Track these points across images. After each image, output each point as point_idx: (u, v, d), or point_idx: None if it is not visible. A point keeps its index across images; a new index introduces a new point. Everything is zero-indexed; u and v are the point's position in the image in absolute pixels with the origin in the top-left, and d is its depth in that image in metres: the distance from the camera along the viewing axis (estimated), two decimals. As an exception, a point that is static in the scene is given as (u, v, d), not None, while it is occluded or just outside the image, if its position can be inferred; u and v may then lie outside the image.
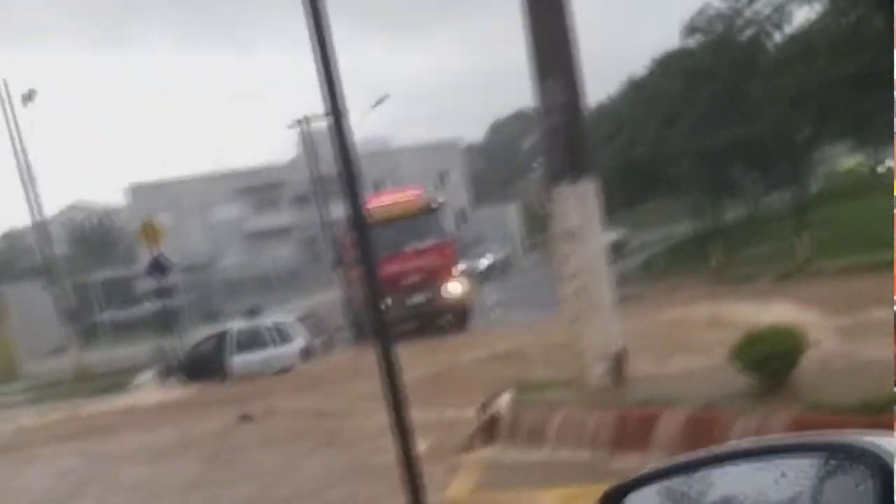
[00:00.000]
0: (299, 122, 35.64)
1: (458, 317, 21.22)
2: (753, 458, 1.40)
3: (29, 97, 23.43)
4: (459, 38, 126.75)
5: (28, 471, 11.67)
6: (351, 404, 11.82)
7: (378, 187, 45.29)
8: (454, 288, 20.87)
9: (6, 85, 24.28)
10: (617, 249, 37.32)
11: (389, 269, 19.76)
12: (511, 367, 12.03)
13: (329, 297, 30.24)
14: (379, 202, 23.56)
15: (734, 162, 27.07)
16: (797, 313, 10.79)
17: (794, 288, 15.74)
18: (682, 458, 1.54)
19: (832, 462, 1.30)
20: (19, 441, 14.33)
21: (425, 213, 21.23)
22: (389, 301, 19.00)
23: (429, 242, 20.86)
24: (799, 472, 1.32)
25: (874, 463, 1.22)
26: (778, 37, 23.52)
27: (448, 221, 21.72)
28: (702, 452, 1.50)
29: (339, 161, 4.09)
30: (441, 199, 22.29)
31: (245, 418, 11.29)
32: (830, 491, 1.27)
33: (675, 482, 1.47)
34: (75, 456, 12.03)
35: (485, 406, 8.11)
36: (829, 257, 18.48)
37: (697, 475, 1.45)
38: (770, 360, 6.06)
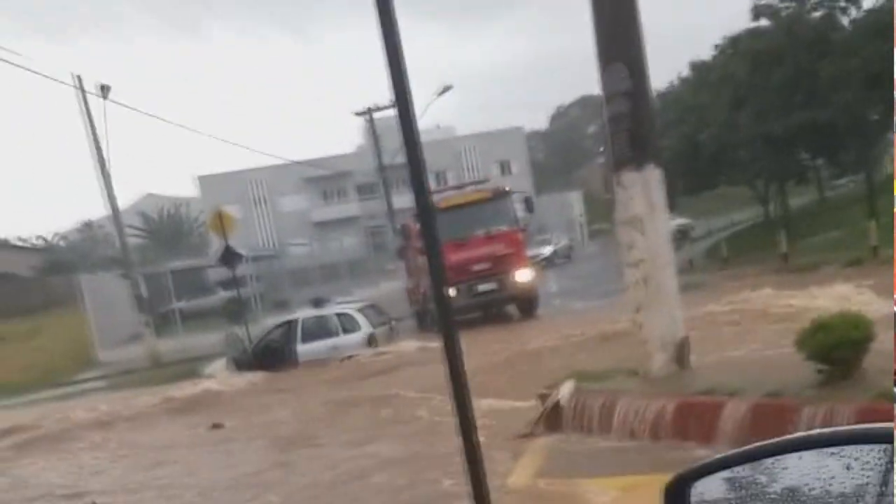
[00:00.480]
0: (365, 111, 35.88)
1: (526, 304, 21.26)
2: (819, 449, 1.38)
3: (104, 92, 24.08)
4: (524, 25, 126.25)
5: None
6: (415, 392, 11.97)
7: (441, 176, 45.52)
8: (523, 275, 20.83)
9: (80, 80, 24.98)
10: (682, 236, 36.87)
11: (459, 256, 19.92)
12: (576, 354, 12.04)
13: (394, 285, 30.58)
14: (449, 189, 23.76)
15: (803, 146, 26.43)
16: (865, 301, 10.54)
17: (862, 275, 15.28)
18: (748, 447, 1.52)
19: None
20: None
21: (494, 201, 21.17)
22: (458, 288, 19.28)
23: (498, 229, 20.84)
24: (864, 463, 1.31)
25: None
26: (853, 14, 22.81)
27: (516, 209, 21.60)
28: (767, 442, 1.49)
29: (404, 149, 4.15)
30: (508, 187, 22.26)
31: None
32: None
33: (741, 471, 1.47)
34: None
35: (548, 393, 8.13)
36: (901, 241, 17.87)
37: (763, 465, 1.45)
38: (837, 349, 5.93)
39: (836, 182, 42.36)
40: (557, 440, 7.59)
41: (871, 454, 1.31)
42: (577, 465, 6.82)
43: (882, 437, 1.32)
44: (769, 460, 1.43)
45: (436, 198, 20.43)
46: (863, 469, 1.31)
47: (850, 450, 1.34)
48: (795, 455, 1.40)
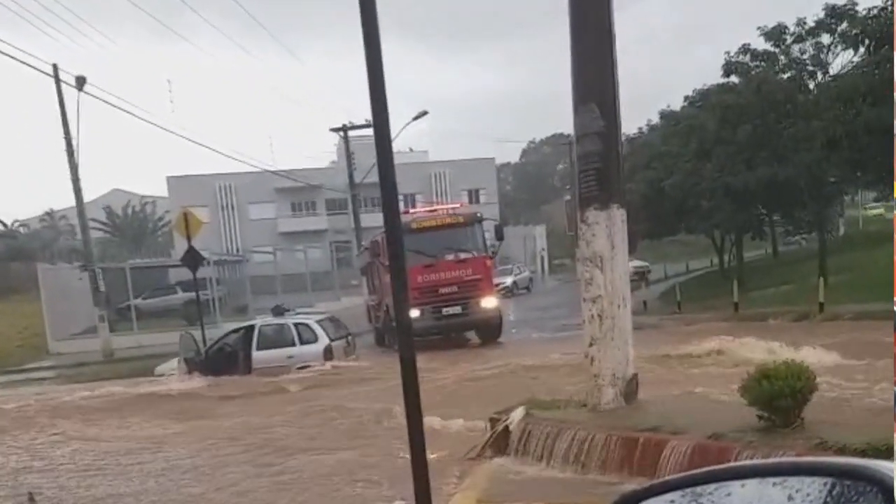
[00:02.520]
0: (340, 128, 36.06)
1: (489, 330, 21.33)
2: (762, 478, 1.40)
3: (81, 83, 23.93)
4: (506, 58, 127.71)
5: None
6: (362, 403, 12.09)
7: (410, 199, 45.72)
8: (489, 302, 20.99)
9: (56, 69, 24.81)
10: (639, 278, 37.45)
11: (427, 277, 20.05)
12: (528, 382, 12.23)
13: (355, 300, 30.59)
14: (422, 211, 23.87)
15: (762, 201, 27.11)
16: (810, 354, 10.91)
17: (809, 329, 15.81)
18: (693, 472, 1.55)
19: (839, 486, 1.30)
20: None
21: (465, 226, 21.30)
22: (423, 309, 19.35)
23: (467, 254, 20.95)
24: (806, 494, 1.32)
25: (881, 487, 1.24)
26: (819, 78, 23.55)
27: (487, 236, 21.75)
28: (712, 469, 1.53)
29: (379, 168, 4.32)
30: (480, 214, 22.46)
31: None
32: None
33: (685, 495, 1.47)
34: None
35: (498, 418, 8.29)
36: (846, 302, 18.53)
37: (707, 490, 1.45)
38: (780, 398, 6.04)
39: (789, 238, 43.48)
40: (503, 464, 7.74)
41: (812, 486, 1.32)
42: (519, 490, 6.97)
43: (825, 470, 1.34)
44: (712, 486, 1.45)
45: (408, 218, 20.57)
46: (804, 501, 1.32)
47: (792, 481, 1.35)
48: (739, 482, 1.42)
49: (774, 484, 1.37)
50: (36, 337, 30.07)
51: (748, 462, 1.54)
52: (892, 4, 19.10)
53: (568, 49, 7.96)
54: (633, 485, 6.61)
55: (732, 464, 1.54)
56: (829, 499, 1.30)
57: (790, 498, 1.33)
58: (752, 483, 1.40)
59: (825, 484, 1.31)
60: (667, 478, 1.60)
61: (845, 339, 13.54)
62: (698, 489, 1.46)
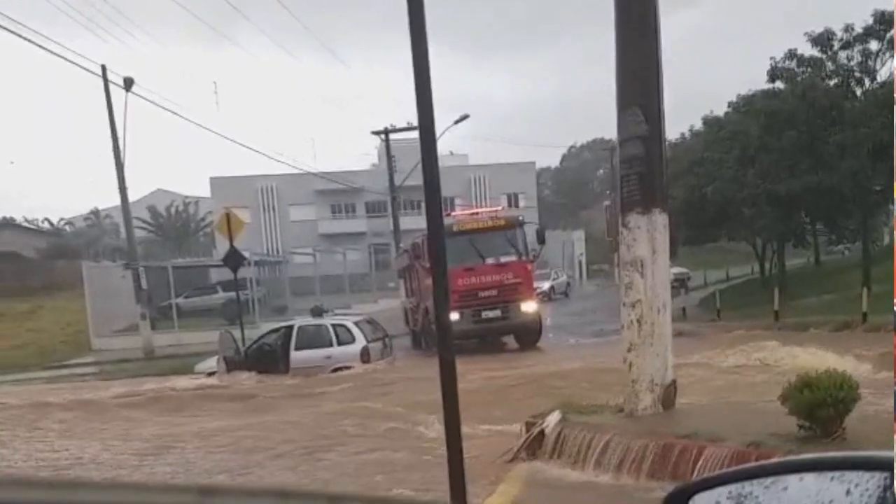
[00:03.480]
0: (382, 131, 36.28)
1: (528, 335, 21.16)
2: (820, 471, 1.38)
3: (128, 84, 24.39)
4: (547, 63, 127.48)
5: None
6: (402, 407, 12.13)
7: (449, 202, 45.82)
8: (529, 306, 20.80)
9: (104, 70, 25.28)
10: (679, 284, 37.16)
11: (467, 280, 19.92)
12: (566, 386, 12.20)
13: (392, 303, 30.73)
14: (464, 213, 23.78)
15: (805, 209, 26.73)
16: (850, 364, 10.74)
17: (850, 340, 15.54)
18: (750, 465, 1.57)
19: None
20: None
21: (507, 229, 21.11)
22: (462, 313, 19.34)
23: (509, 258, 20.77)
24: (864, 489, 1.31)
25: None
26: (867, 84, 23.18)
27: (528, 240, 21.51)
28: (770, 462, 1.55)
29: (424, 172, 4.37)
30: (522, 217, 22.28)
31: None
32: None
33: (742, 488, 1.46)
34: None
35: (534, 422, 8.29)
36: (890, 313, 18.16)
37: (763, 483, 1.44)
38: (821, 407, 6.00)
39: (832, 247, 42.72)
40: (537, 468, 7.73)
41: (871, 481, 1.31)
42: (553, 494, 6.97)
43: (884, 465, 1.32)
44: (770, 479, 1.44)
45: (449, 221, 20.57)
46: (862, 495, 1.31)
47: (851, 475, 1.34)
48: (797, 476, 1.41)
49: (832, 478, 1.36)
50: (79, 333, 30.67)
51: (805, 456, 1.49)
52: None
53: (612, 53, 7.97)
54: (665, 492, 6.58)
55: (788, 458, 1.53)
56: (888, 493, 1.29)
57: (848, 492, 1.32)
58: (809, 477, 1.39)
59: (884, 478, 1.30)
60: (722, 471, 1.59)
61: (888, 348, 13.29)
62: (754, 482, 1.46)
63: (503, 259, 20.73)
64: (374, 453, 9.33)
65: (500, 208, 25.55)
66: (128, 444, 11.04)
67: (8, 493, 0.47)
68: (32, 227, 59.05)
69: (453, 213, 23.52)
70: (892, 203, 32.33)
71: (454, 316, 19.30)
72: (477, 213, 23.18)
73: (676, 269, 40.63)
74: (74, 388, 18.82)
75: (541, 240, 21.77)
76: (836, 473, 1.36)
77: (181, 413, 14.01)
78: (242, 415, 13.12)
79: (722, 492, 1.48)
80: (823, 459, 1.45)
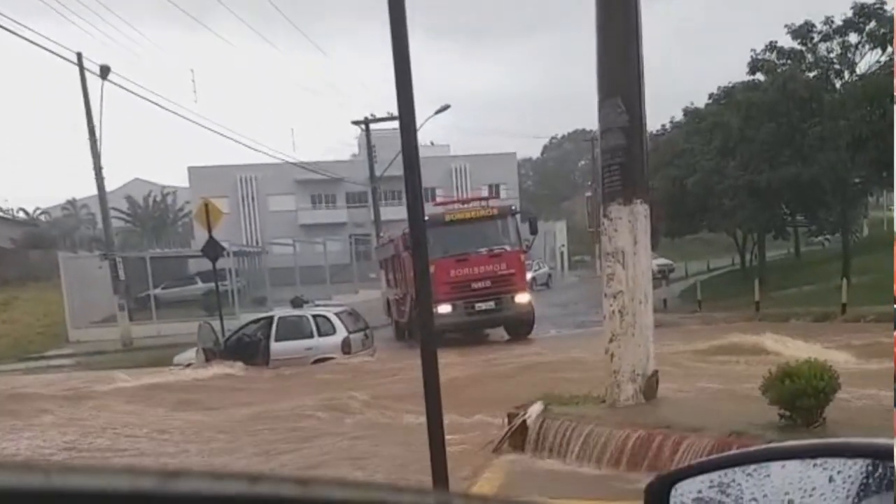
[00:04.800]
0: (363, 121, 36.09)
1: (521, 326, 20.87)
2: (803, 459, 1.37)
3: (105, 72, 24.08)
4: (530, 54, 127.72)
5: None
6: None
7: (430, 193, 45.76)
8: (522, 297, 20.49)
9: (80, 58, 24.95)
10: (662, 276, 37.39)
11: (459, 271, 19.62)
12: (546, 377, 12.21)
13: (374, 294, 30.68)
14: (454, 202, 23.43)
15: (785, 201, 26.95)
16: (830, 354, 10.82)
17: (829, 330, 15.69)
18: (733, 453, 1.54)
19: (881, 467, 1.28)
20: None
21: (499, 218, 20.75)
22: (455, 305, 19.16)
23: (501, 248, 20.40)
24: (847, 476, 1.31)
25: None
26: (846, 77, 23.35)
27: (520, 230, 21.24)
28: (752, 449, 1.51)
29: (404, 162, 4.32)
30: (514, 206, 22.00)
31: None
32: (879, 498, 1.27)
33: (724, 476, 1.44)
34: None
35: (516, 413, 8.28)
36: (869, 304, 18.39)
37: (745, 471, 1.42)
38: (802, 397, 6.03)
39: (812, 239, 43.19)
40: (519, 459, 7.73)
41: (854, 467, 1.31)
42: (536, 484, 6.97)
43: (866, 452, 1.32)
44: (752, 466, 1.42)
45: (440, 210, 20.37)
46: (844, 482, 1.30)
47: (833, 462, 1.33)
48: (779, 463, 1.40)
49: (815, 465, 1.34)
50: (56, 325, 30.35)
51: (788, 443, 1.46)
52: None
53: (593, 44, 7.94)
54: (647, 482, 6.60)
55: (771, 445, 1.49)
56: (871, 480, 1.29)
57: (831, 479, 1.32)
58: (792, 464, 1.38)
59: (867, 465, 1.30)
60: (704, 459, 1.56)
61: (868, 339, 13.43)
62: (737, 470, 1.44)
63: (496, 249, 20.36)
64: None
65: (490, 197, 25.16)
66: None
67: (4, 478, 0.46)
68: (7, 216, 58.34)
69: (444, 202, 23.22)
70: (871, 195, 32.79)
71: (447, 308, 19.21)
72: (468, 202, 22.77)
73: (661, 261, 41.00)
74: (97, 378, 18.21)
75: (533, 230, 21.46)
76: (819, 460, 1.34)
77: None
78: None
79: (704, 479, 1.46)
80: (806, 447, 1.42)
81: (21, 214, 61.90)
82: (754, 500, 1.39)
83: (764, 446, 1.50)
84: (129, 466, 0.49)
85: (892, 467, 1.26)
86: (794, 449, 1.43)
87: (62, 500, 0.46)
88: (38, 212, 64.17)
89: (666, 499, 1.48)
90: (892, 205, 52.56)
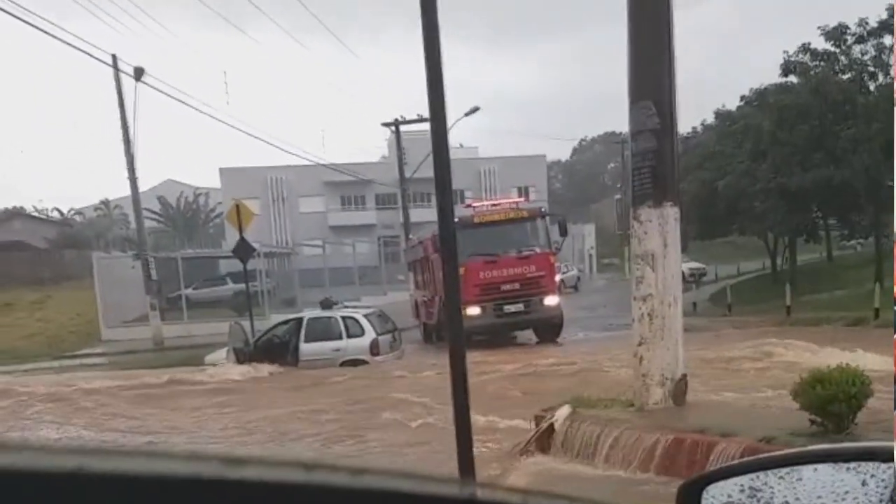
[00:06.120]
0: (392, 122, 36.14)
1: (550, 329, 20.65)
2: (836, 462, 1.36)
3: (139, 73, 24.32)
4: (559, 56, 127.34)
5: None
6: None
7: (459, 195, 45.76)
8: (552, 300, 20.33)
9: (115, 60, 25.21)
10: (693, 279, 37.06)
11: (489, 273, 19.50)
12: (574, 380, 12.17)
13: (402, 296, 30.71)
14: (485, 204, 23.33)
15: (817, 204, 26.61)
16: (863, 359, 10.67)
17: (863, 335, 15.45)
18: (765, 456, 1.53)
19: None
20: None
21: (530, 221, 20.65)
22: (484, 307, 19.07)
23: (531, 250, 20.25)
24: (880, 480, 1.30)
25: None
26: (880, 79, 23.04)
27: (549, 232, 20.97)
28: (784, 452, 1.51)
29: (435, 164, 4.35)
30: (544, 208, 21.86)
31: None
32: None
33: (756, 479, 1.44)
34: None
35: (544, 416, 8.27)
36: (902, 309, 18.10)
37: (777, 474, 1.42)
38: (833, 403, 5.97)
39: (844, 243, 42.55)
40: (546, 462, 7.72)
41: (887, 472, 1.30)
42: (562, 487, 6.94)
43: None
44: (784, 470, 1.42)
45: (470, 212, 20.32)
46: (878, 486, 1.30)
47: (867, 466, 1.32)
48: (811, 467, 1.39)
49: (848, 469, 1.34)
50: (89, 324, 30.72)
51: (821, 446, 1.50)
52: None
53: (625, 46, 7.92)
54: (674, 487, 6.55)
55: (803, 448, 1.49)
56: None
57: (864, 483, 1.31)
58: (824, 467, 1.37)
59: None
60: (735, 461, 1.57)
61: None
62: (769, 473, 1.44)
63: (525, 251, 20.21)
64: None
65: (521, 200, 24.86)
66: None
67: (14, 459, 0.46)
68: (42, 216, 59.31)
69: (473, 204, 23.08)
70: None
71: (476, 310, 19.15)
72: (498, 204, 22.58)
73: (693, 264, 40.71)
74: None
75: (563, 232, 21.15)
76: (852, 464, 1.34)
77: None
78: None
79: (736, 482, 1.46)
80: (839, 450, 1.43)
81: (55, 214, 62.89)
82: (786, 503, 1.39)
83: (796, 450, 1.50)
84: (191, 452, 0.52)
85: None
86: (827, 452, 1.43)
87: (122, 484, 0.47)
88: (72, 212, 65.11)
89: (697, 501, 1.48)
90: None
